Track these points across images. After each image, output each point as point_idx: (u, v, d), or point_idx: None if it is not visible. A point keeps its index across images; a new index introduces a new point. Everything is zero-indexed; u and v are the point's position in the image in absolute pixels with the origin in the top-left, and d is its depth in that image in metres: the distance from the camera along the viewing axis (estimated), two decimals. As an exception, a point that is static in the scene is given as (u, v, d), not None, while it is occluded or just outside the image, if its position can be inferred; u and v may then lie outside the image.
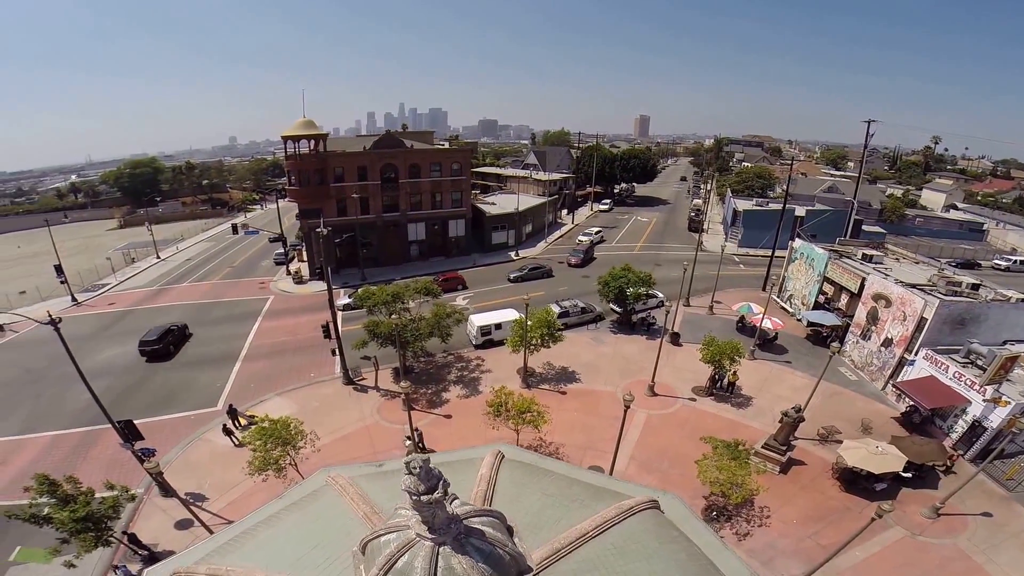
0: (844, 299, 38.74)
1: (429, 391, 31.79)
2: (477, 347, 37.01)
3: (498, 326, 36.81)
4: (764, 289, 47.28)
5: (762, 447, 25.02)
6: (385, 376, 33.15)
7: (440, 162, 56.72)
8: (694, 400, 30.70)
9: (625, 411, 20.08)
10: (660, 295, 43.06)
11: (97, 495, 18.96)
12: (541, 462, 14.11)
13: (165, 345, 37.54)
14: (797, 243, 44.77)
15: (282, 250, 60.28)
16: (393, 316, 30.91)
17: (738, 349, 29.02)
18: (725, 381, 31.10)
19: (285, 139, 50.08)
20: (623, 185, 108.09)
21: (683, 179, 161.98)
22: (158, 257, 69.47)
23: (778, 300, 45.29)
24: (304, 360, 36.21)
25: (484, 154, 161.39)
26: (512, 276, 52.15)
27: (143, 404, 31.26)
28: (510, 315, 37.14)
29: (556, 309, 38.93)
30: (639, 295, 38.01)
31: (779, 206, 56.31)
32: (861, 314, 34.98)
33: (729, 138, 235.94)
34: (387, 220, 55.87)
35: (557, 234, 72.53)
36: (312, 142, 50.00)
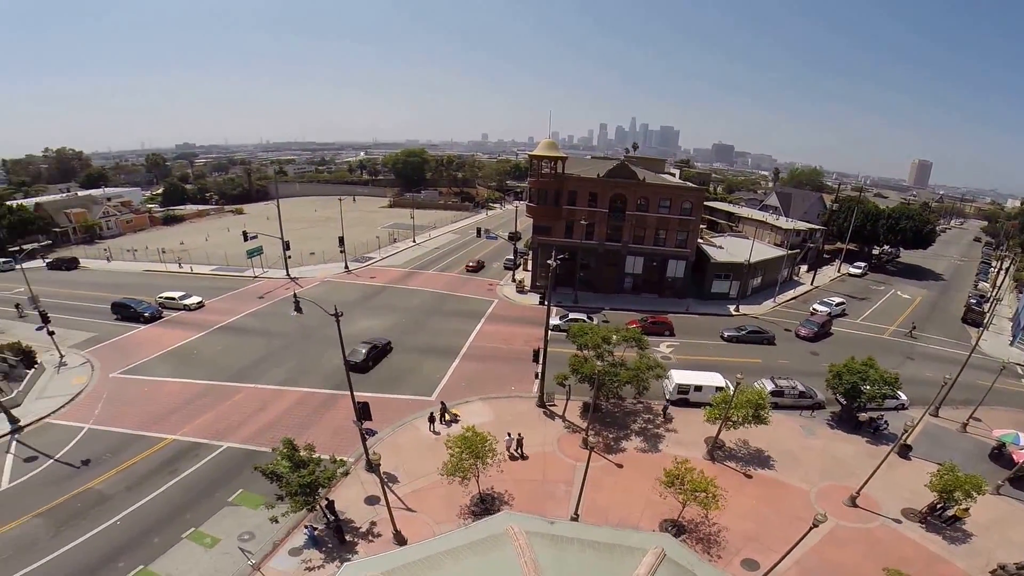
0: None
1: (610, 435, 31.75)
2: (670, 402, 35.26)
3: (698, 388, 34.76)
4: (1044, 414, 34.86)
5: None
6: (573, 408, 34.18)
7: (670, 198, 55.02)
8: (899, 522, 25.82)
9: (812, 527, 17.86)
10: (903, 396, 35.73)
11: (322, 461, 22.50)
12: (697, 567, 14.63)
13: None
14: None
15: (511, 257, 66.89)
16: (600, 363, 31.46)
17: (979, 486, 23.80)
18: (949, 513, 25.53)
19: (531, 158, 55.27)
20: (885, 248, 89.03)
21: (977, 240, 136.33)
22: (414, 241, 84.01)
23: (1060, 430, 32.82)
24: (510, 371, 39.43)
25: (715, 183, 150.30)
26: (726, 334, 47.62)
27: (375, 380, 37.78)
28: (714, 380, 34.97)
29: (769, 386, 35.13)
30: (875, 395, 31.65)
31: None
32: None
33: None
34: (608, 248, 56.93)
35: (791, 294, 62.98)
36: (552, 163, 53.86)
